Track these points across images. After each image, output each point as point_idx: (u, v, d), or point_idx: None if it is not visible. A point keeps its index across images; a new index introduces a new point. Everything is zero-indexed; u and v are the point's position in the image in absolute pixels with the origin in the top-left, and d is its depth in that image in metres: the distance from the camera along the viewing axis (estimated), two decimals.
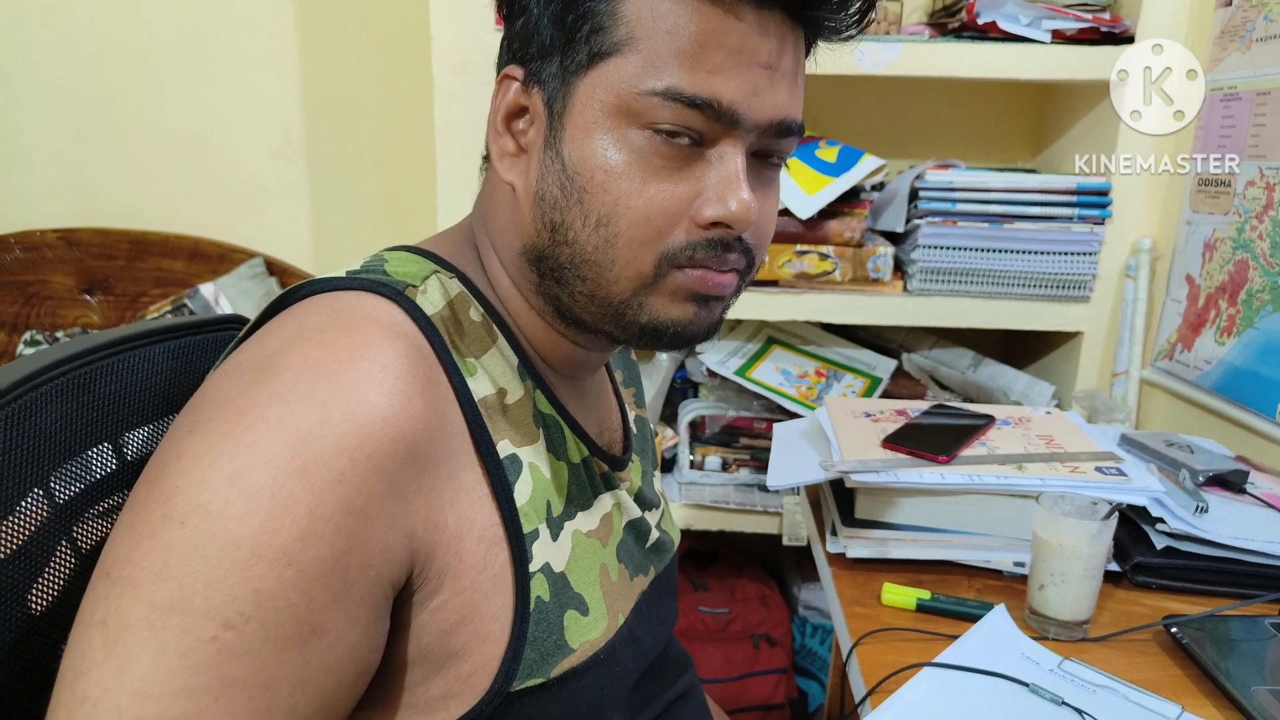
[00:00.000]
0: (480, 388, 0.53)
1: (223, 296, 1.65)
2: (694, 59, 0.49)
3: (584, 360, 0.63)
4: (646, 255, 0.52)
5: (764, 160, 0.55)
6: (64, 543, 0.54)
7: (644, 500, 0.70)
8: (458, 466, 0.50)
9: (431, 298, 0.53)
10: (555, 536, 0.56)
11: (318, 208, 1.74)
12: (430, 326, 0.51)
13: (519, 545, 0.52)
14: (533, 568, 0.53)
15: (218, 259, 1.69)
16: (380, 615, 0.46)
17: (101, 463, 0.58)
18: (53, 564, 0.53)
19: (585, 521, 0.59)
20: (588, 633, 0.56)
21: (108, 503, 0.59)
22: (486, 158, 0.58)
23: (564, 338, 0.60)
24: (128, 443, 0.60)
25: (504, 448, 0.53)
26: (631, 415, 0.75)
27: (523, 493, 0.53)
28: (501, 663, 0.51)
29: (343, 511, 0.42)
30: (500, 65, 0.57)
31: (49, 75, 1.66)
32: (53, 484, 0.53)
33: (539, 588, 0.53)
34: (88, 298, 1.71)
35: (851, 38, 0.55)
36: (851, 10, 0.53)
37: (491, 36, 1.29)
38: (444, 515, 0.48)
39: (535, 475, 0.55)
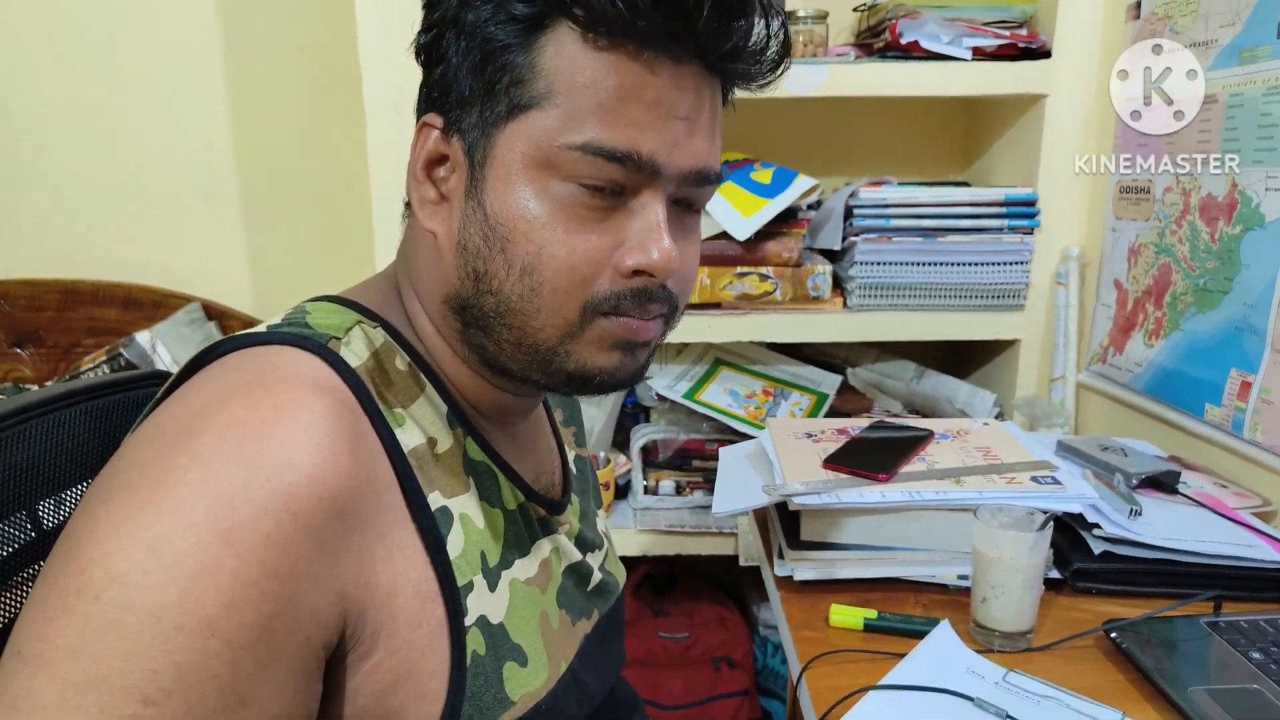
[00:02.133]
0: (409, 439, 0.52)
1: (159, 344, 1.61)
2: (613, 113, 0.50)
3: (513, 406, 0.62)
4: (571, 304, 0.52)
5: (684, 208, 0.56)
6: None
7: (585, 542, 0.69)
8: (388, 523, 0.49)
9: (355, 349, 0.52)
10: (492, 587, 0.55)
11: (253, 249, 1.71)
12: (355, 379, 0.50)
13: (453, 599, 0.51)
14: (468, 621, 0.52)
15: (152, 305, 1.66)
16: (311, 679, 0.45)
17: (18, 533, 0.56)
18: None
19: (523, 569, 0.59)
20: (528, 684, 0.56)
21: (25, 573, 0.57)
22: (408, 205, 0.58)
23: (491, 384, 0.59)
24: (45, 510, 0.58)
25: (434, 499, 0.52)
26: (571, 455, 0.74)
27: (455, 545, 0.52)
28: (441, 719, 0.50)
29: (269, 576, 0.41)
30: (420, 112, 0.56)
31: None
32: None
33: (474, 641, 0.52)
34: (19, 351, 1.66)
35: (768, 84, 0.56)
36: (766, 60, 0.54)
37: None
38: (375, 573, 0.48)
39: (467, 526, 0.54)
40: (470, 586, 0.53)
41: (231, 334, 0.52)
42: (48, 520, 0.58)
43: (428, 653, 0.50)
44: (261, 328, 0.52)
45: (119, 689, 0.38)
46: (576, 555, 0.66)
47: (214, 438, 0.43)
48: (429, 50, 0.55)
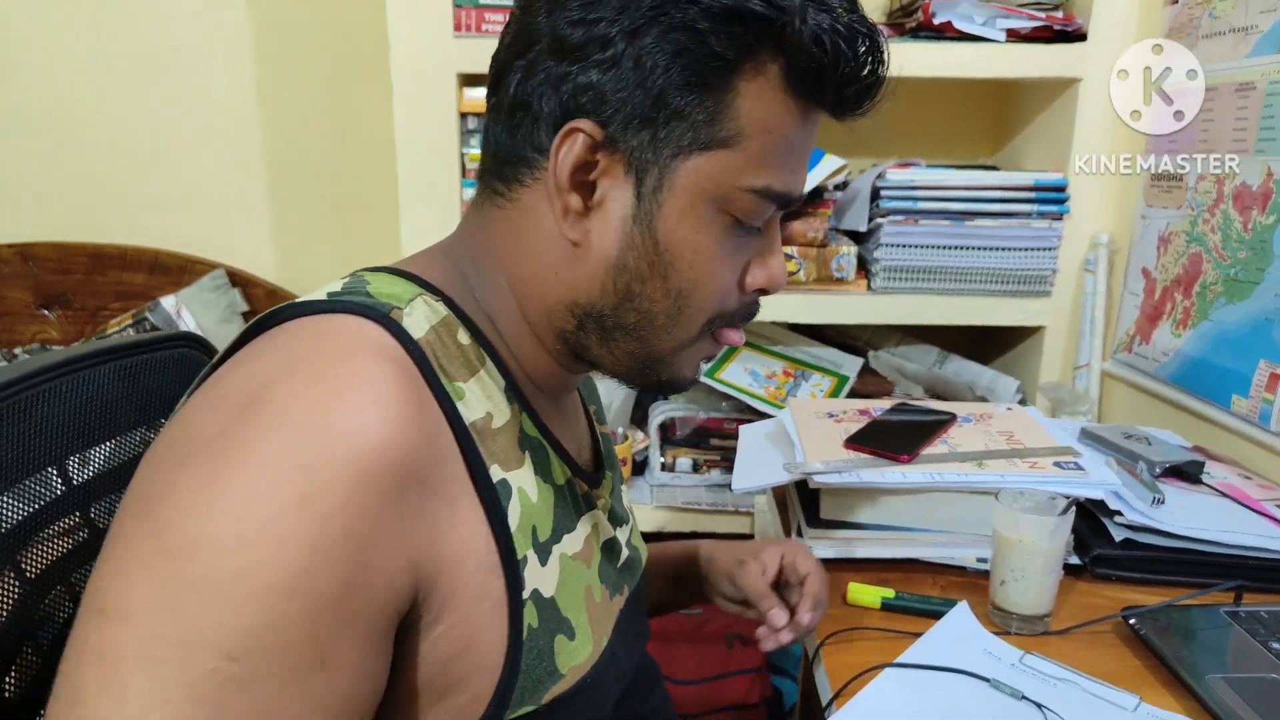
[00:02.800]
0: (470, 411, 0.52)
1: (184, 309, 1.63)
2: (784, 160, 0.54)
3: (568, 381, 0.63)
4: (700, 321, 0.56)
5: None
6: (8, 571, 0.53)
7: (615, 517, 0.69)
8: (454, 492, 0.49)
9: (417, 320, 0.51)
10: (544, 561, 0.55)
11: (279, 217, 1.72)
12: (417, 350, 0.49)
13: (513, 572, 0.52)
14: (524, 595, 0.52)
15: (179, 271, 1.67)
16: (385, 645, 0.46)
17: (46, 488, 0.57)
18: None
19: (571, 544, 0.59)
20: (575, 657, 0.56)
21: (54, 528, 0.58)
22: (494, 189, 0.57)
23: (559, 365, 0.60)
24: (73, 466, 0.59)
25: (494, 472, 0.52)
26: (600, 431, 0.75)
27: (513, 518, 0.52)
28: (495, 692, 0.51)
29: (346, 541, 0.42)
30: (545, 108, 0.53)
31: (3, 90, 1.64)
32: None
33: (529, 615, 0.53)
34: (46, 313, 1.68)
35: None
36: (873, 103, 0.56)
37: (449, 44, 1.29)
38: (445, 541, 0.48)
39: (523, 500, 0.54)
40: (525, 560, 0.53)
41: (290, 300, 0.51)
42: (76, 476, 0.59)
43: (489, 625, 0.50)
44: (321, 294, 0.52)
45: (199, 644, 0.39)
46: (610, 531, 0.67)
47: (283, 406, 0.43)
48: (582, 49, 0.51)
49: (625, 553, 0.70)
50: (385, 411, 0.44)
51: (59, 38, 1.62)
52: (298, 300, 0.51)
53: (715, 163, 0.52)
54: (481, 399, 0.53)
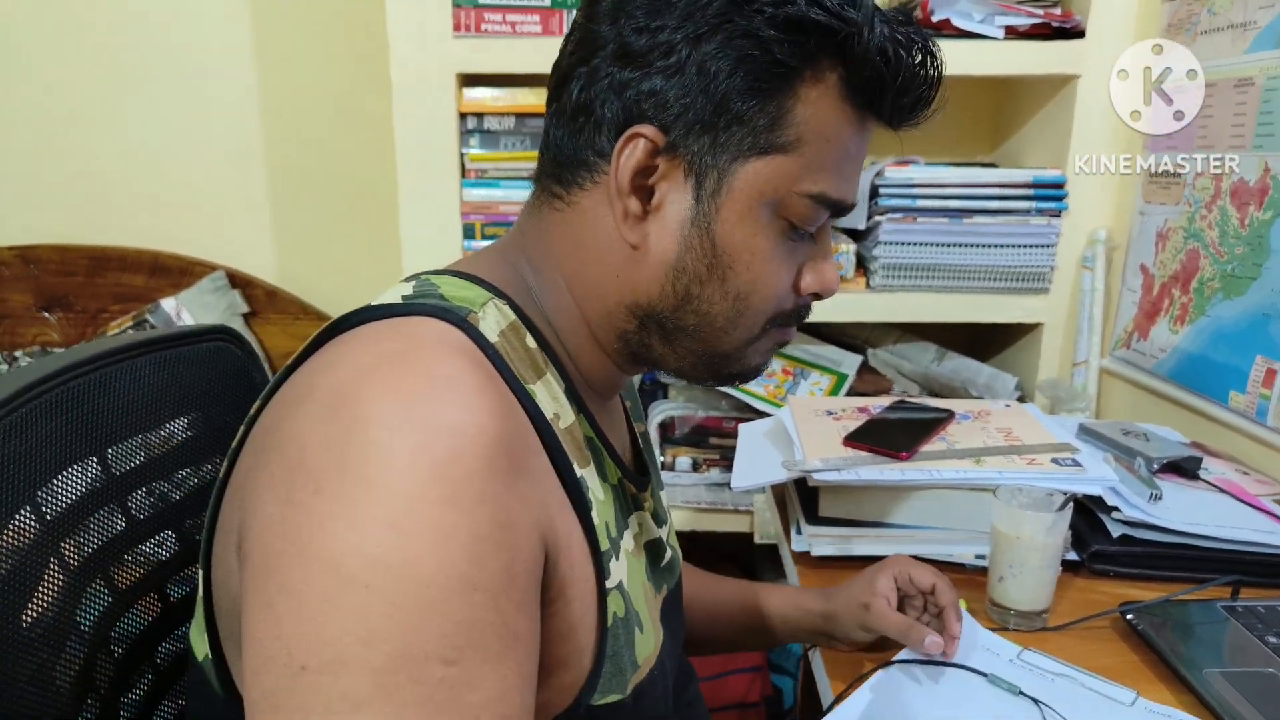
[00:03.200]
0: (545, 411, 0.53)
1: (185, 310, 1.63)
2: (840, 168, 0.55)
3: (620, 382, 0.64)
4: (761, 321, 0.58)
5: None
6: (53, 560, 0.54)
7: (658, 518, 0.70)
8: (549, 483, 0.51)
9: (490, 324, 0.52)
10: (616, 555, 0.57)
11: (279, 218, 1.72)
12: (494, 352, 0.50)
13: (599, 562, 0.53)
14: (609, 584, 0.54)
15: (179, 272, 1.67)
16: (539, 613, 0.48)
17: (88, 477, 0.57)
18: (43, 582, 0.53)
19: (629, 541, 0.61)
20: (645, 648, 0.58)
21: (95, 517, 0.58)
22: (552, 192, 0.57)
23: (615, 366, 0.61)
24: (113, 456, 0.60)
25: (575, 469, 0.54)
26: (639, 430, 0.75)
27: (595, 512, 0.54)
28: (589, 676, 0.52)
29: (497, 526, 0.43)
30: (607, 114, 0.54)
31: (3, 92, 1.64)
32: (40, 500, 0.53)
33: (615, 604, 0.54)
34: (46, 315, 1.68)
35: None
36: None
37: (449, 44, 1.29)
38: (555, 523, 0.49)
39: (595, 496, 0.55)
40: (608, 553, 0.55)
41: (365, 305, 0.51)
42: (115, 466, 0.60)
43: (587, 610, 0.52)
44: (394, 297, 0.52)
45: (420, 659, 0.39)
46: (654, 531, 0.68)
47: (391, 407, 0.42)
48: (645, 56, 0.52)
49: (667, 554, 0.71)
50: (484, 402, 0.44)
51: (60, 39, 1.62)
52: (372, 304, 0.51)
53: (773, 167, 0.53)
54: (549, 401, 0.54)
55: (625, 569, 0.57)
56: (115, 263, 1.67)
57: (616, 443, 0.64)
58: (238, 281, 1.70)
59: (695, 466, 1.48)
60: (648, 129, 0.52)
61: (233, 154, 1.68)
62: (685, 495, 1.45)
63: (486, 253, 0.61)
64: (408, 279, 0.56)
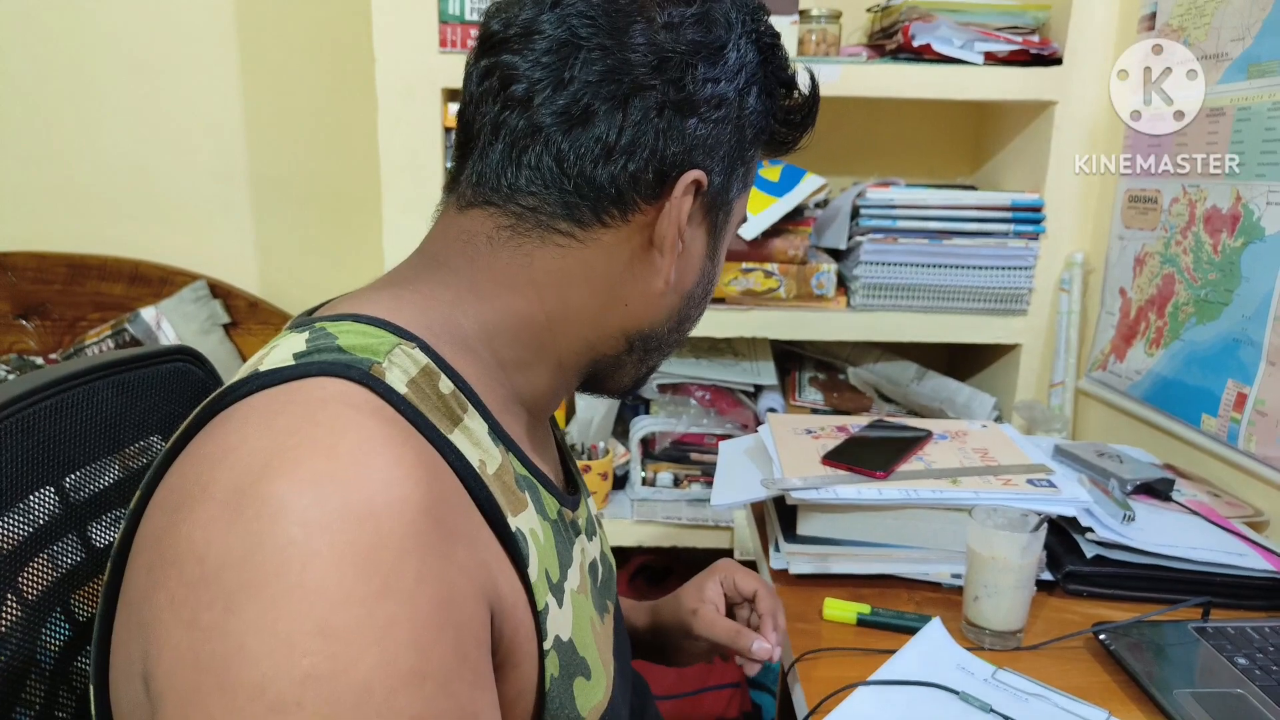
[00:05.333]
0: (469, 461, 0.49)
1: (164, 320, 1.62)
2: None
3: (556, 403, 0.63)
4: None
5: None
6: (9, 595, 0.52)
7: (590, 531, 0.68)
8: (485, 537, 0.48)
9: (397, 375, 0.47)
10: (560, 604, 0.54)
11: (261, 229, 1.72)
12: (406, 404, 0.46)
13: (539, 622, 0.51)
14: (546, 645, 0.51)
15: (159, 282, 1.66)
16: (494, 685, 0.46)
17: (44, 508, 0.55)
18: (1, 618, 0.51)
19: (573, 578, 0.58)
20: (592, 696, 0.56)
21: (52, 549, 0.56)
22: (553, 227, 0.54)
23: (559, 384, 0.59)
24: (71, 484, 0.58)
25: (509, 521, 0.50)
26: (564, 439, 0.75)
27: (532, 567, 0.51)
28: None
29: (438, 606, 0.40)
30: (655, 156, 0.53)
31: None
32: None
33: (551, 665, 0.52)
34: (24, 323, 1.67)
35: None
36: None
37: (434, 59, 1.30)
38: (498, 583, 0.47)
39: (535, 543, 0.52)
40: (546, 609, 0.52)
41: (253, 371, 0.46)
42: (74, 495, 0.57)
43: (530, 674, 0.50)
44: (285, 356, 0.46)
45: None
46: (592, 551, 0.65)
47: (300, 499, 0.38)
48: (702, 105, 0.54)
49: (601, 570, 0.69)
50: (402, 470, 0.41)
51: (42, 47, 1.62)
52: (259, 372, 0.45)
53: (741, 203, 0.61)
54: (472, 448, 0.50)
55: (569, 617, 0.55)
56: (94, 271, 1.66)
57: (548, 465, 0.61)
58: (219, 292, 1.69)
59: (676, 482, 1.48)
60: (702, 175, 0.55)
61: (216, 164, 1.68)
62: (666, 511, 1.45)
63: (391, 285, 0.56)
64: (299, 326, 0.51)
